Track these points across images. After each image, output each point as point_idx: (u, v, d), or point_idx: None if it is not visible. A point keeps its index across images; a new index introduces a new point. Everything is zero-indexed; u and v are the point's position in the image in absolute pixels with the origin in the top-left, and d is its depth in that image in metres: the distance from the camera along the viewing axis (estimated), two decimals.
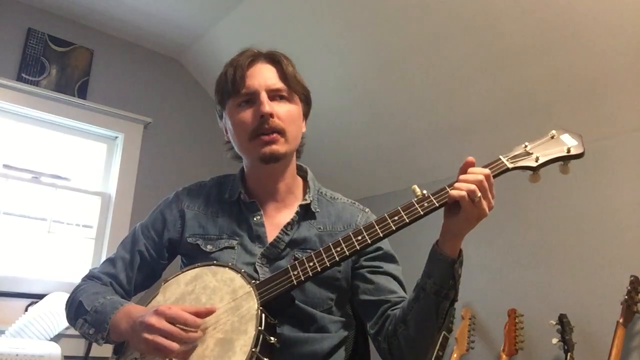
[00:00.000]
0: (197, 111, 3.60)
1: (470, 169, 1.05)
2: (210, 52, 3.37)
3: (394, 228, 1.05)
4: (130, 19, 3.18)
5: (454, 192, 1.02)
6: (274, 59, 1.24)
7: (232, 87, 1.20)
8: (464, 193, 1.00)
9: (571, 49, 2.17)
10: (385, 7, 2.48)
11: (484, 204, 1.02)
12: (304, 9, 2.72)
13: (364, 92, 2.93)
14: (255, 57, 1.24)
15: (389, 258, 1.26)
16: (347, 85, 2.89)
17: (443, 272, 1.06)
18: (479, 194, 1.00)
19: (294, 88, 1.24)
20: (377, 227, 1.06)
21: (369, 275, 1.22)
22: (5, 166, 2.87)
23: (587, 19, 2.05)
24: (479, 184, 1.01)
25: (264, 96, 1.18)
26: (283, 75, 1.22)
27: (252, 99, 1.19)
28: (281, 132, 1.18)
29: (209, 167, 3.40)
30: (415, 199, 1.06)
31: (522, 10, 2.16)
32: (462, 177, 1.04)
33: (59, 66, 3.06)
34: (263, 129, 1.17)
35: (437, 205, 1.04)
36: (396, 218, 1.05)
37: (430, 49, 2.53)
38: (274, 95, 1.20)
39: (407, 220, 1.05)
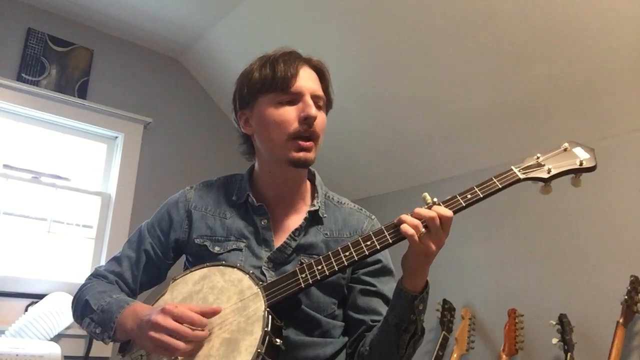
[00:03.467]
0: (197, 111, 3.60)
1: (434, 207, 1.05)
2: (210, 52, 3.37)
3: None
4: (130, 19, 3.18)
5: (402, 226, 1.03)
6: (318, 67, 1.26)
7: (281, 82, 1.17)
8: (410, 230, 1.02)
9: (571, 50, 2.18)
10: (385, 9, 2.48)
11: (430, 241, 1.02)
12: (304, 10, 2.73)
13: (365, 93, 2.94)
14: (303, 60, 1.23)
15: (386, 272, 1.26)
16: (347, 85, 2.89)
17: (403, 307, 1.07)
18: (423, 230, 1.01)
19: (329, 100, 1.27)
20: (386, 234, 1.06)
21: (360, 295, 1.23)
22: (5, 166, 2.86)
23: (586, 20, 2.06)
24: (429, 221, 1.02)
25: (310, 99, 1.18)
26: (325, 86, 1.25)
27: (296, 99, 1.18)
28: (316, 139, 1.19)
29: (209, 166, 3.44)
30: (426, 207, 1.06)
31: (523, 12, 2.17)
32: (416, 210, 1.05)
33: (59, 66, 3.06)
34: (307, 132, 1.17)
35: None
36: None
37: (431, 51, 2.54)
38: (315, 102, 1.20)
39: None
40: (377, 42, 2.67)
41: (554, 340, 2.13)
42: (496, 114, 2.58)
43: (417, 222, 1.02)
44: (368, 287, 1.23)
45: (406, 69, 2.69)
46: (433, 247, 1.02)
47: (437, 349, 2.50)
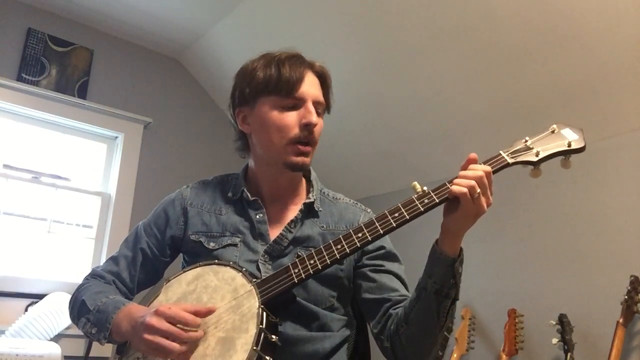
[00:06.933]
0: (197, 111, 3.60)
1: (472, 166, 1.05)
2: (210, 52, 3.37)
3: (394, 225, 1.05)
4: (130, 19, 3.18)
5: (454, 188, 1.02)
6: (322, 74, 1.26)
7: (285, 86, 1.18)
8: (464, 189, 1.00)
9: (570, 50, 2.17)
10: (385, 8, 2.48)
11: (483, 200, 1.02)
12: (304, 10, 2.72)
13: (364, 93, 2.93)
14: (307, 65, 1.24)
15: (392, 257, 1.26)
16: (347, 85, 2.89)
17: (443, 272, 1.06)
18: (478, 190, 1.00)
19: (329, 107, 1.28)
20: (377, 224, 1.06)
21: (371, 274, 1.22)
22: (5, 166, 2.87)
23: (586, 20, 2.06)
24: (478, 180, 1.01)
25: (312, 106, 1.19)
26: (326, 92, 1.26)
27: (298, 104, 1.19)
28: (314, 145, 1.21)
29: (209, 166, 3.43)
30: (416, 196, 1.06)
31: (522, 12, 2.16)
32: (462, 173, 1.04)
33: (59, 66, 3.06)
34: (307, 137, 1.18)
35: (437, 201, 1.04)
36: (396, 215, 1.05)
37: (430, 50, 2.54)
38: (315, 109, 1.21)
39: (407, 217, 1.04)
40: (377, 42, 2.67)
41: (554, 340, 2.12)
42: (496, 114, 2.58)
43: (472, 182, 1.00)
44: (377, 267, 1.23)
45: (406, 69, 2.69)
46: (484, 206, 1.02)
47: (437, 349, 2.49)
